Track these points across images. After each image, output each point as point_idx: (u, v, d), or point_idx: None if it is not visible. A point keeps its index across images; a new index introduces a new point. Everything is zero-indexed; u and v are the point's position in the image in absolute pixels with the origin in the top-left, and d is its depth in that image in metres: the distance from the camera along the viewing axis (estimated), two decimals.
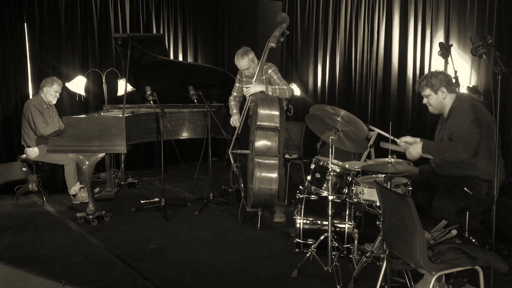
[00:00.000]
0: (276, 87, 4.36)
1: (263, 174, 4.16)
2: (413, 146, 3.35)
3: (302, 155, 5.36)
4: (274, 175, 4.16)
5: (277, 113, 4.22)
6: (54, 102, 5.26)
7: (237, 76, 4.75)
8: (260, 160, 4.19)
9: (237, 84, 4.76)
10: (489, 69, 3.94)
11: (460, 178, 3.27)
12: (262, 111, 4.21)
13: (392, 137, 3.32)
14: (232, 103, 4.77)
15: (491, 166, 3.20)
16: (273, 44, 4.39)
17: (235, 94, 4.77)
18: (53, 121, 5.25)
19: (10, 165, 5.56)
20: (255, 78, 4.42)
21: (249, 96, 4.42)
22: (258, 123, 4.21)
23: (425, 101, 3.41)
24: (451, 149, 3.19)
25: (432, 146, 3.31)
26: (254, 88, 4.33)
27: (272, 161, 4.19)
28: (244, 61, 4.45)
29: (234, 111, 4.72)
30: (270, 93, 4.32)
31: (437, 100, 3.33)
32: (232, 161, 4.71)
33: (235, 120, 4.66)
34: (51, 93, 5.17)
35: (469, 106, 3.22)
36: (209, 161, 5.13)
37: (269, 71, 4.47)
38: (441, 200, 3.16)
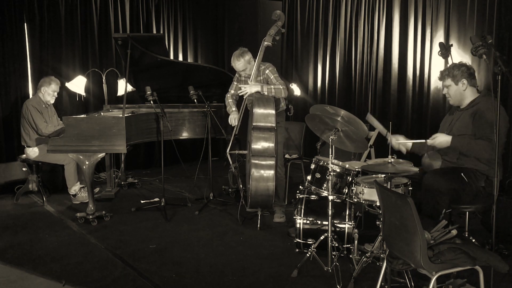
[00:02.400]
0: (272, 87, 4.36)
1: (260, 175, 4.16)
2: (441, 135, 3.34)
3: (302, 155, 5.36)
4: (271, 175, 4.16)
5: (272, 112, 4.21)
6: (52, 101, 5.26)
7: (236, 74, 4.75)
8: (257, 161, 4.18)
9: (235, 82, 4.74)
10: (489, 69, 3.95)
11: (461, 168, 3.31)
12: (258, 111, 4.20)
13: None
14: (230, 100, 4.74)
15: (491, 163, 3.21)
16: (268, 43, 4.38)
17: (232, 91, 4.75)
18: (52, 120, 5.25)
19: (10, 165, 5.56)
20: (251, 78, 4.41)
21: (246, 96, 4.41)
22: (254, 123, 4.21)
23: (445, 91, 3.44)
24: (481, 148, 3.19)
25: (463, 141, 3.27)
26: (249, 88, 4.33)
27: (269, 162, 4.19)
28: (240, 63, 4.44)
29: (233, 109, 4.69)
30: (265, 93, 4.31)
31: (457, 91, 3.36)
32: (230, 162, 4.71)
33: (234, 119, 4.65)
34: (49, 92, 5.17)
35: (495, 107, 3.20)
36: (209, 161, 5.13)
37: (267, 71, 4.46)
38: (434, 176, 3.23)
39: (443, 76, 3.41)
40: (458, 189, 3.22)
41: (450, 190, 3.19)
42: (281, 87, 4.39)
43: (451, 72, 3.35)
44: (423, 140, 3.40)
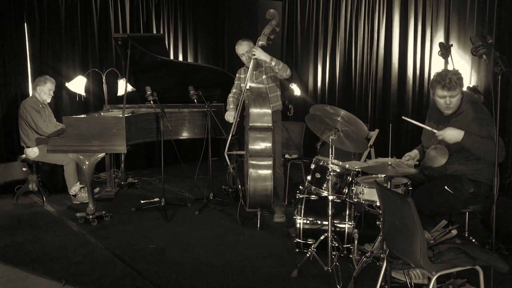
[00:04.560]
0: (280, 62, 4.34)
1: (257, 175, 4.16)
2: (452, 129, 3.09)
3: (302, 155, 5.36)
4: (269, 175, 4.16)
5: (268, 111, 4.21)
6: (48, 100, 5.26)
7: (237, 74, 4.77)
8: (254, 161, 4.18)
9: (236, 82, 4.76)
10: (489, 69, 3.94)
11: (445, 177, 3.26)
12: (254, 111, 4.21)
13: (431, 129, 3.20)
14: (231, 99, 4.74)
15: (482, 165, 3.19)
16: (263, 42, 4.37)
17: (234, 90, 4.76)
18: (50, 120, 5.25)
19: (10, 165, 5.56)
20: (247, 78, 4.40)
21: (253, 60, 4.37)
22: (251, 124, 4.21)
23: (448, 101, 3.13)
24: (492, 148, 2.99)
25: (475, 139, 3.05)
26: (259, 53, 4.29)
27: (266, 162, 4.19)
28: (244, 44, 4.48)
29: (231, 106, 4.69)
30: (273, 64, 4.28)
31: (458, 101, 3.16)
32: (228, 163, 4.71)
33: (229, 116, 4.64)
34: (45, 91, 5.18)
35: (476, 111, 3.13)
36: (209, 161, 5.13)
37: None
38: (420, 194, 3.19)
39: (454, 85, 3.08)
40: (445, 203, 3.19)
41: (438, 207, 3.17)
42: (286, 65, 4.37)
43: (461, 80, 3.11)
44: (434, 130, 3.17)
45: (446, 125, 3.23)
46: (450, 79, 3.07)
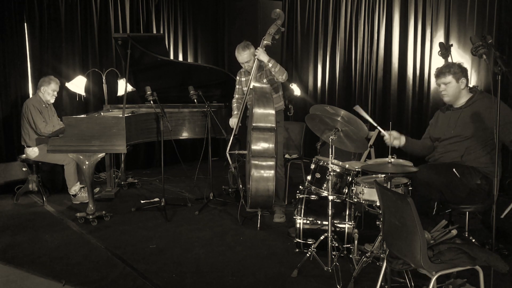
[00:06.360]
0: (278, 64, 4.35)
1: (260, 175, 4.15)
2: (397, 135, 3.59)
3: (302, 155, 5.35)
4: (271, 176, 4.16)
5: (272, 112, 4.21)
6: (52, 101, 5.27)
7: (237, 77, 4.76)
8: (257, 161, 4.18)
9: (238, 86, 4.76)
10: (489, 69, 3.95)
11: (456, 164, 3.34)
12: (258, 111, 4.20)
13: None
14: (235, 105, 4.77)
15: (491, 162, 3.22)
16: (268, 42, 4.37)
17: (237, 96, 4.77)
18: (52, 120, 5.25)
19: (10, 165, 5.57)
20: (251, 77, 4.41)
21: (256, 60, 4.38)
22: (254, 124, 4.20)
23: (442, 88, 3.43)
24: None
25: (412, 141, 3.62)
26: (259, 53, 4.29)
27: (269, 162, 4.18)
28: (245, 53, 4.45)
29: (235, 112, 4.72)
30: (270, 65, 4.29)
31: (457, 89, 3.38)
32: (230, 162, 4.71)
33: (232, 121, 4.66)
34: (48, 92, 5.18)
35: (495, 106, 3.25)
36: (209, 161, 5.13)
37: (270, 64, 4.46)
38: (428, 171, 3.27)
39: (443, 72, 3.40)
40: (450, 185, 3.24)
41: (441, 185, 3.23)
42: (283, 69, 4.38)
43: (452, 69, 3.36)
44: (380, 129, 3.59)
45: (458, 116, 3.42)
46: (443, 67, 3.43)
